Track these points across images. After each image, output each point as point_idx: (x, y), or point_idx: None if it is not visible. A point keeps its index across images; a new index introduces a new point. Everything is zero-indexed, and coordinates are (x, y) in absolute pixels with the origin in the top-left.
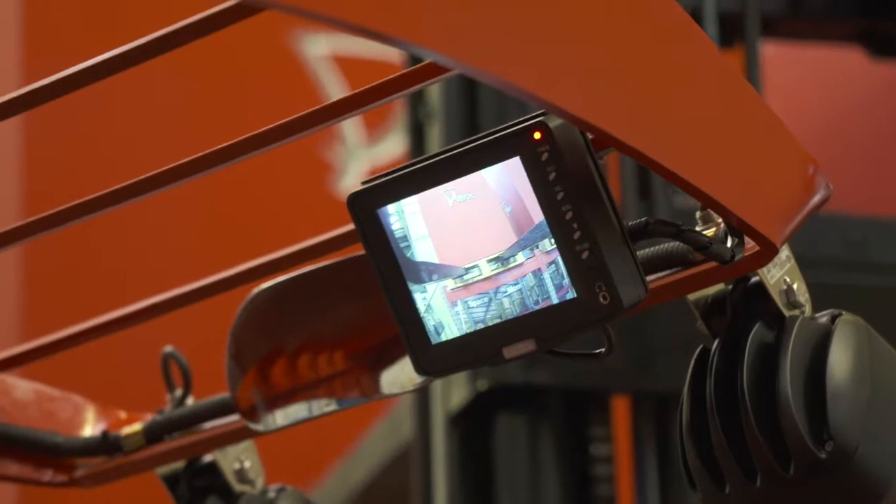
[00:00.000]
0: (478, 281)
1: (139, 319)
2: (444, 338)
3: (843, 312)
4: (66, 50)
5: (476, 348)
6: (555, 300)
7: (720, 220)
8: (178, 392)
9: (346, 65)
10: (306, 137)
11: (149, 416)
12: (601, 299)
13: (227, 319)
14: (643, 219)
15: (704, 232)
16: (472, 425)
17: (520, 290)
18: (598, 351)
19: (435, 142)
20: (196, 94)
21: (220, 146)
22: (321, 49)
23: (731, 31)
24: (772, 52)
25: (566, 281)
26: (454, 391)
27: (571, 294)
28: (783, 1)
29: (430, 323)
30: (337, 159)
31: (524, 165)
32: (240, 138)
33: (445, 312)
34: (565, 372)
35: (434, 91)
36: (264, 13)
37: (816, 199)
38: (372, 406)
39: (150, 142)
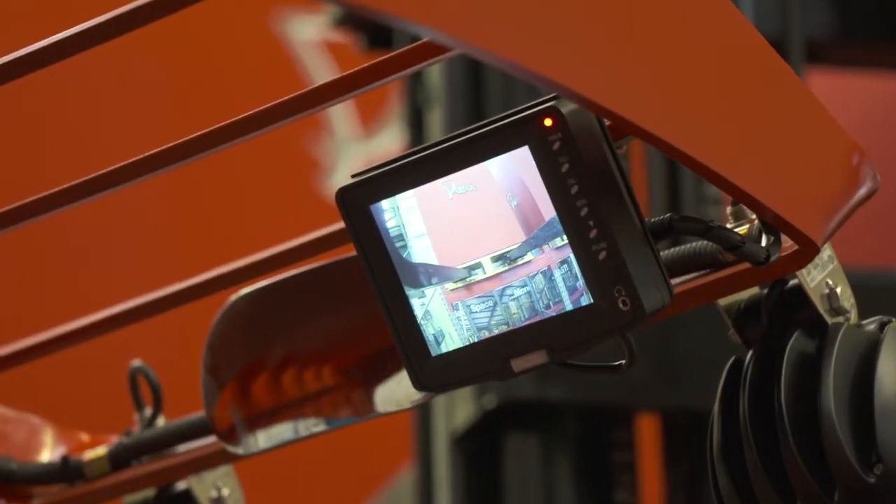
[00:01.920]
0: (481, 280)
1: (103, 330)
2: (444, 348)
3: (893, 319)
4: (26, 31)
5: (481, 360)
6: (568, 305)
7: (753, 215)
8: (148, 411)
9: (338, 51)
10: (291, 131)
11: (114, 439)
12: (621, 305)
13: (203, 329)
14: (667, 215)
15: (736, 229)
16: (478, 447)
17: (528, 292)
18: (618, 363)
19: (435, 129)
20: (169, 81)
21: (193, 136)
22: (309, 33)
23: None
24: (821, 82)
25: (580, 283)
26: (458, 409)
27: (587, 299)
28: (832, 25)
29: (429, 332)
30: (325, 155)
31: (534, 156)
32: (215, 127)
33: (446, 319)
34: (583, 386)
35: (434, 73)
36: None
37: (862, 191)
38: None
39: (121, 134)
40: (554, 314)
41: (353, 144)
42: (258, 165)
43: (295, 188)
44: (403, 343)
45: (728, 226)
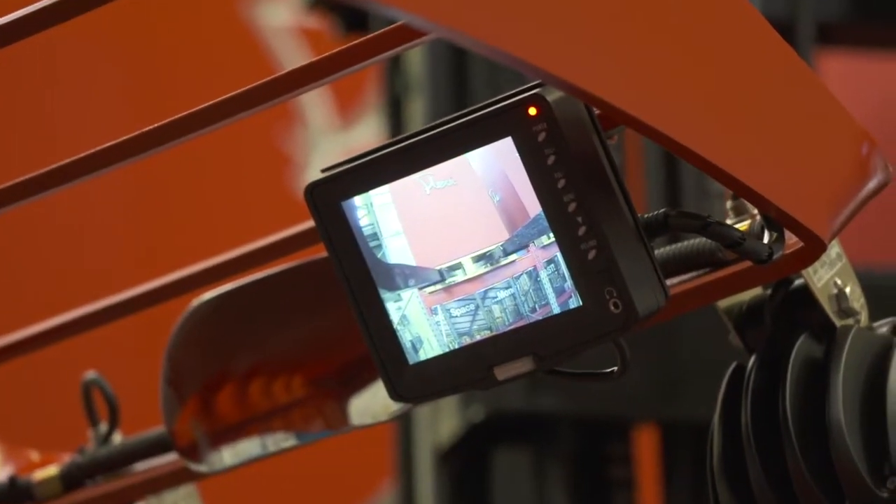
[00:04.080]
0: (461, 282)
1: (53, 339)
2: (423, 356)
3: None
4: None
5: (462, 368)
6: (555, 308)
7: (755, 210)
8: (103, 427)
9: (312, 38)
10: (261, 123)
11: (66, 457)
12: (612, 307)
13: (163, 337)
14: (662, 210)
15: (736, 225)
16: (464, 462)
17: (512, 294)
18: (609, 370)
19: (416, 119)
20: (131, 69)
21: (154, 126)
22: (282, 19)
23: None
24: (834, 66)
25: (568, 284)
26: (443, 421)
27: (575, 301)
28: (845, 4)
29: (405, 338)
30: (298, 149)
31: (517, 147)
32: (178, 116)
33: (424, 324)
34: (577, 396)
35: (415, 59)
36: None
37: (872, 183)
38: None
39: (78, 124)
40: (540, 318)
41: (329, 137)
42: (226, 161)
43: (266, 185)
44: (378, 350)
45: (728, 221)
